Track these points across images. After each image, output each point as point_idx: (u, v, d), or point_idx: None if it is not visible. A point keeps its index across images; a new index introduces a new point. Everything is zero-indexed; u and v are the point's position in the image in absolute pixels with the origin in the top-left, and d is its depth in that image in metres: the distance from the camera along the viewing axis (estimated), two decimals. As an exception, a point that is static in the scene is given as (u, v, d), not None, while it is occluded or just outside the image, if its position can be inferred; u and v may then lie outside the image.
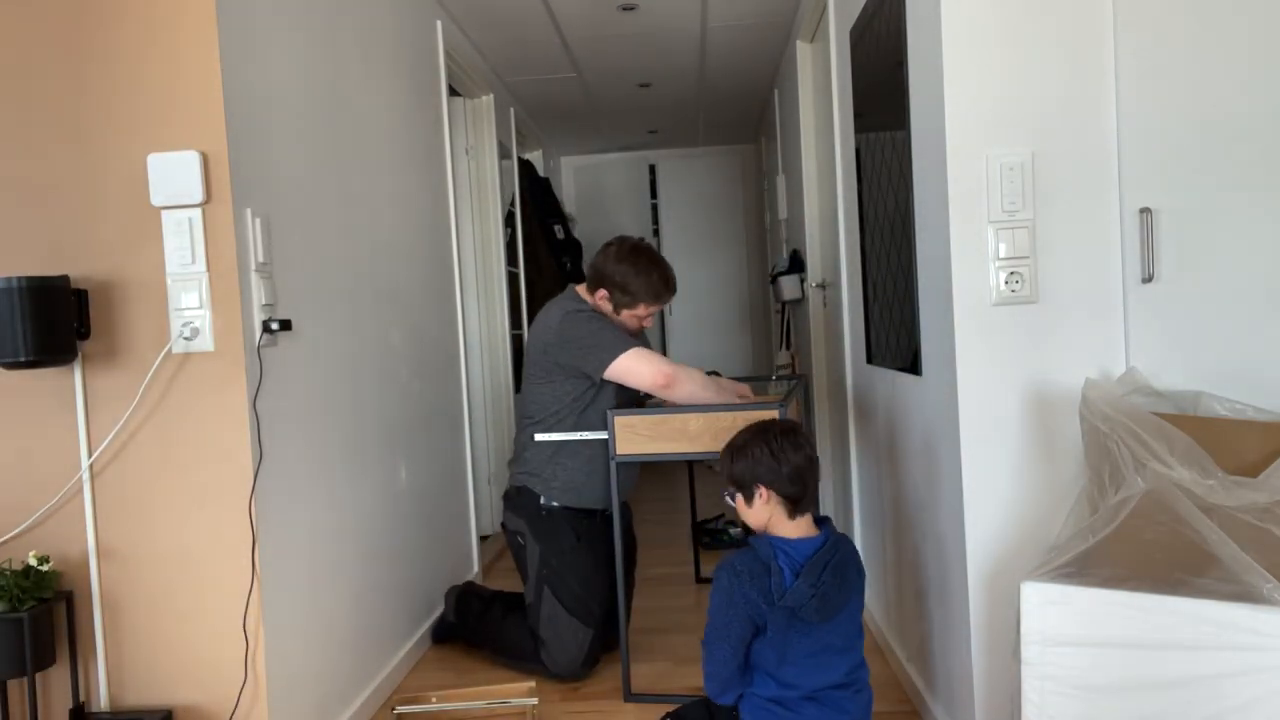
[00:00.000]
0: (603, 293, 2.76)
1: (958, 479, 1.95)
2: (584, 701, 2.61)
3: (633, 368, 2.63)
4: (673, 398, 2.63)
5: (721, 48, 4.49)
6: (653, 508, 5.09)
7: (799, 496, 1.97)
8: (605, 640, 2.83)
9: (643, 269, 2.73)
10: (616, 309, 2.77)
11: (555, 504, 2.77)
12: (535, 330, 2.82)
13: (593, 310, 2.76)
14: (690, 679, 2.69)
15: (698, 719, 2.08)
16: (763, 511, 1.99)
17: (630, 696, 2.58)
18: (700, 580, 3.69)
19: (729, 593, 1.93)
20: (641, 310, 2.78)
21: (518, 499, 2.83)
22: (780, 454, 1.97)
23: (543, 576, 2.74)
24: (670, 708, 2.19)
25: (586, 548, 2.78)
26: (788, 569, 1.93)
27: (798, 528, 1.98)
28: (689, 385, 2.62)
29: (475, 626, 2.96)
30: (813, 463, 2.01)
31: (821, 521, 2.03)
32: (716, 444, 2.43)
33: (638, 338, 2.84)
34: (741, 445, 2.04)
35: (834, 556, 1.95)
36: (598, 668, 2.81)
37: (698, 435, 2.49)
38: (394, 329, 2.93)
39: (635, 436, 2.54)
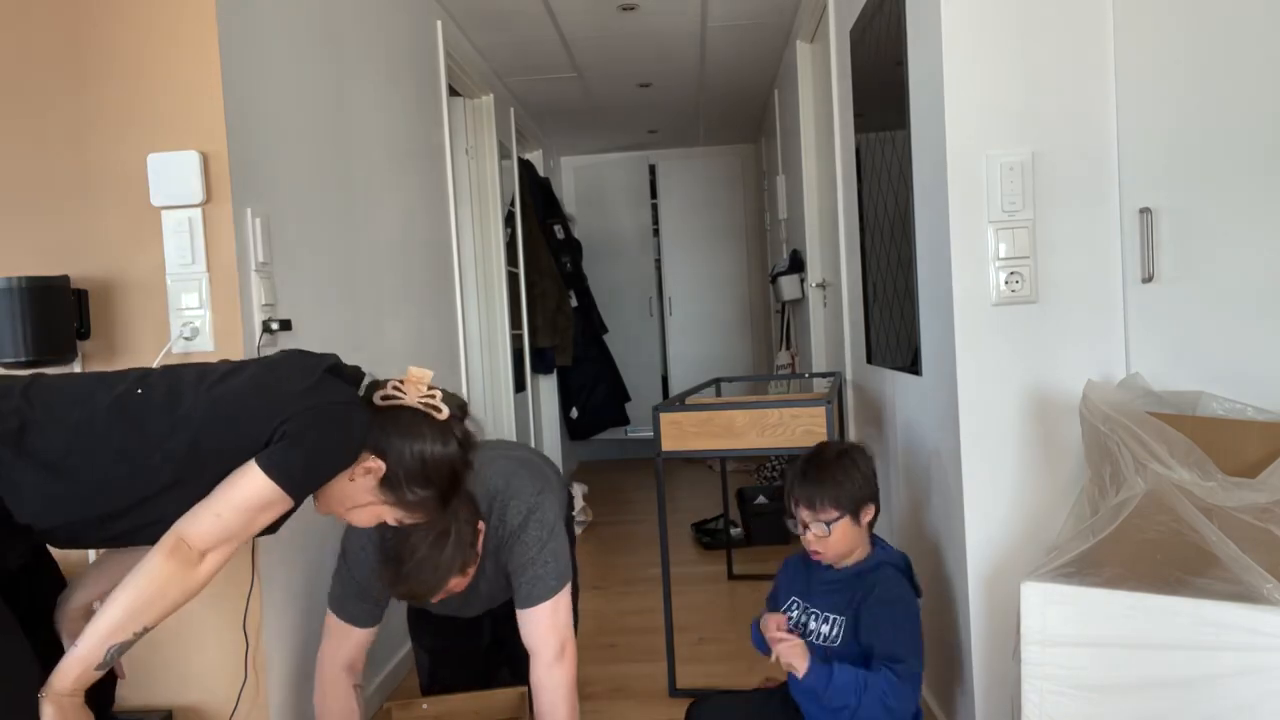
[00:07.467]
0: None
1: (958, 479, 1.95)
2: (581, 702, 2.60)
3: None
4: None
5: (721, 48, 4.49)
6: (648, 507, 5.08)
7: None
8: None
9: None
10: None
11: None
12: None
13: None
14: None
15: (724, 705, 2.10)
16: (864, 529, 1.90)
17: (675, 692, 2.60)
18: (732, 577, 3.68)
19: (911, 604, 1.86)
20: None
21: None
22: (870, 468, 1.92)
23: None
24: None
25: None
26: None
27: None
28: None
29: None
30: None
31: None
32: (762, 440, 2.47)
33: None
34: (836, 464, 1.89)
35: None
36: (587, 670, 2.81)
37: (743, 431, 2.49)
38: (394, 329, 2.92)
39: (681, 433, 2.53)
